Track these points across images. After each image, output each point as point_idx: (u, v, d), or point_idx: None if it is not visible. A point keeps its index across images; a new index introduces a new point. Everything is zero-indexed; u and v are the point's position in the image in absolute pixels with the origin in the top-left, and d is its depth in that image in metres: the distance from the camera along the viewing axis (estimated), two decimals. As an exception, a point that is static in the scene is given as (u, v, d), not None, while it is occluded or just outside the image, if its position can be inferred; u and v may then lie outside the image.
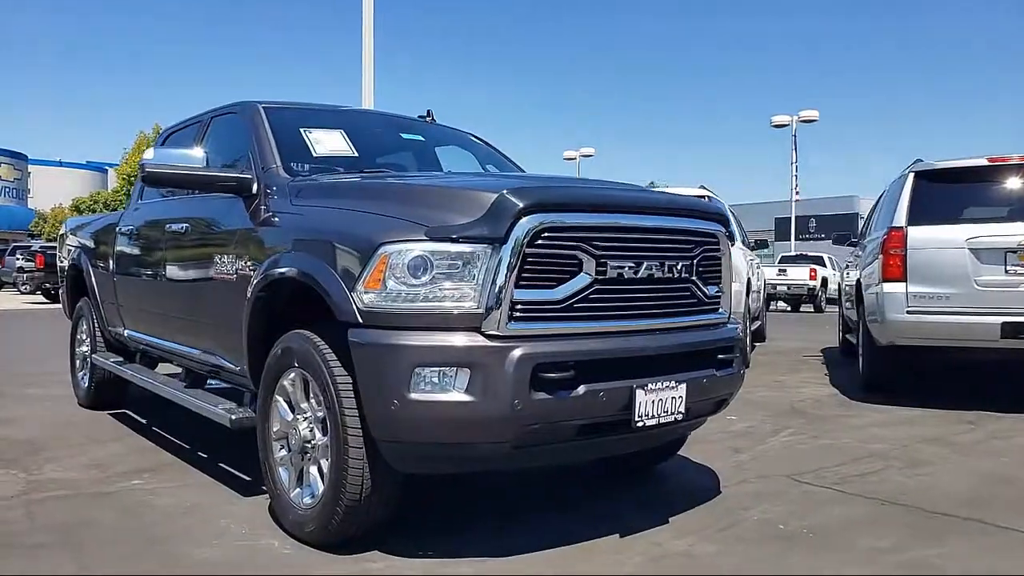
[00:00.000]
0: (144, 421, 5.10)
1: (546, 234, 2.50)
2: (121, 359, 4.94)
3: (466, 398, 2.40)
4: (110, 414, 5.31)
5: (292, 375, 2.89)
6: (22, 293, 25.45)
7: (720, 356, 2.96)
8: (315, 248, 2.75)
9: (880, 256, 5.48)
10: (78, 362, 5.66)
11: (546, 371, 2.44)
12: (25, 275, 20.63)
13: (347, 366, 2.62)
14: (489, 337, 2.43)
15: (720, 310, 3.08)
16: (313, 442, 2.80)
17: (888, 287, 5.40)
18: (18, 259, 21.40)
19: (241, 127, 3.74)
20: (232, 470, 3.87)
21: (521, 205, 2.46)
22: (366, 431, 2.56)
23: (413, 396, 2.40)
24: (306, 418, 2.83)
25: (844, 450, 4.30)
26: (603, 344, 2.61)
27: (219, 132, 3.97)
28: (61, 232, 6.24)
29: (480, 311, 2.43)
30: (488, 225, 2.44)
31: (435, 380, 2.41)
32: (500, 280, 2.43)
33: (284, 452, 3.00)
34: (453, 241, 2.45)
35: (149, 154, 3.32)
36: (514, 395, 2.39)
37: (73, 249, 5.72)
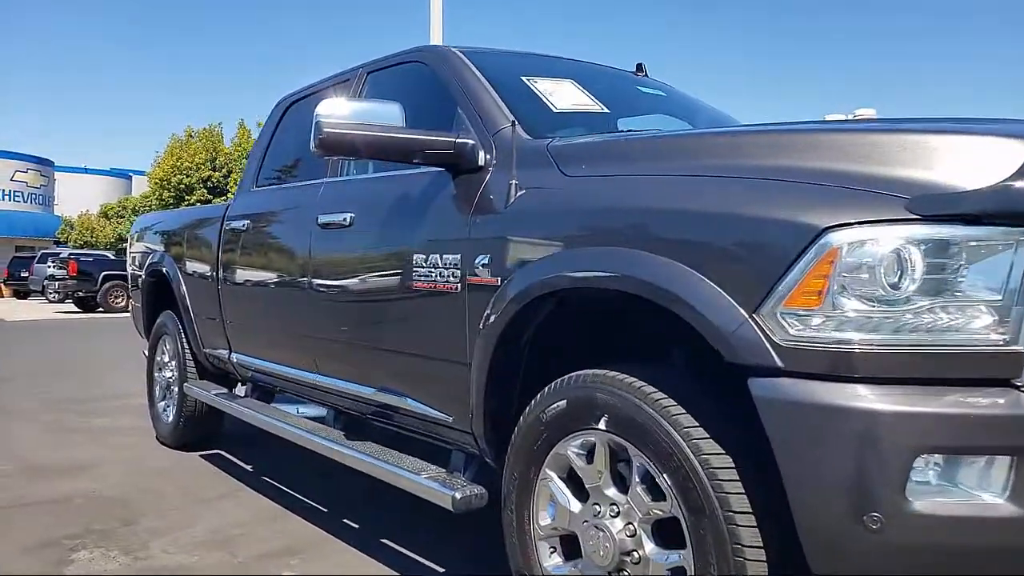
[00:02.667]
0: (250, 468, 4.06)
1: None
2: (224, 390, 3.91)
3: (1015, 511, 1.32)
4: (202, 456, 4.28)
5: (584, 442, 1.83)
6: (50, 302, 24.69)
7: None
8: (651, 240, 1.67)
9: None
10: (158, 390, 4.63)
11: None
12: (57, 283, 19.77)
13: (720, 438, 1.57)
14: (1042, 397, 1.35)
15: None
16: (638, 555, 1.73)
17: None
18: (49, 266, 20.55)
19: (428, 81, 2.69)
20: (411, 554, 2.81)
21: (1082, 160, 1.39)
22: (774, 556, 1.49)
23: (916, 507, 1.32)
24: (619, 514, 1.77)
25: None
26: None
27: (382, 92, 2.91)
28: (132, 232, 5.23)
29: (1019, 348, 1.36)
30: (1031, 193, 1.36)
31: (956, 478, 1.34)
32: (1054, 292, 1.36)
33: (559, 559, 1.94)
34: (965, 222, 1.37)
35: (324, 109, 2.27)
36: (1101, 504, 1.31)
37: (152, 251, 4.70)
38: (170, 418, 4.43)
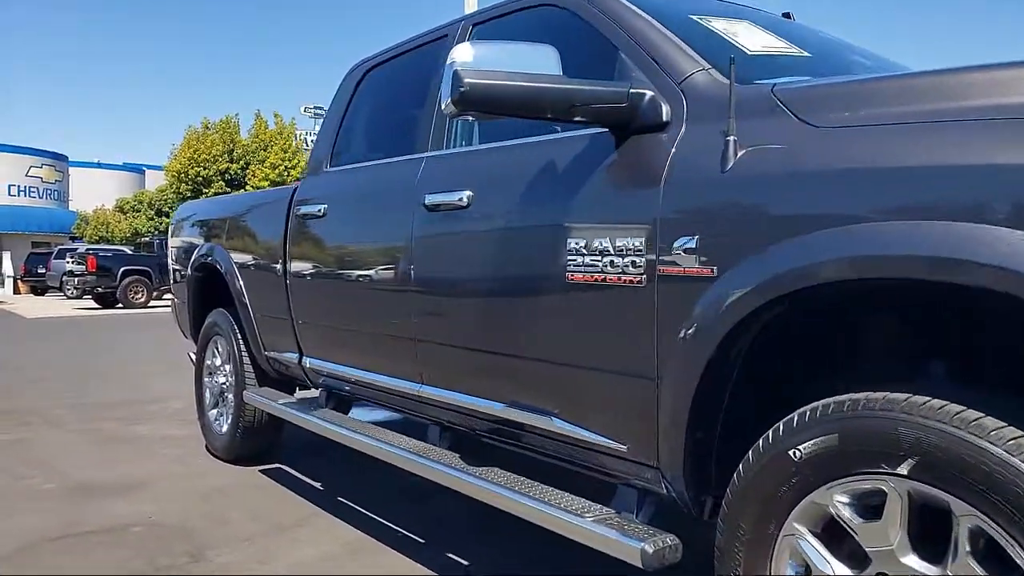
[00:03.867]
0: (319, 486, 3.60)
1: None
2: (292, 399, 3.44)
3: None
4: (262, 471, 3.82)
5: (859, 490, 1.35)
6: (68, 298, 24.38)
7: None
8: (1007, 211, 1.18)
9: None
10: (209, 397, 4.17)
11: None
12: (76, 279, 19.41)
13: None
14: None
15: None
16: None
17: None
18: (68, 262, 20.21)
19: (565, 28, 2.19)
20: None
21: None
22: None
23: None
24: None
25: None
26: None
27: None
28: (173, 222, 4.76)
29: None
30: None
31: None
32: None
33: (811, 639, 1.46)
34: None
35: (463, 54, 1.78)
36: None
37: (198, 243, 4.24)
38: (224, 429, 3.98)
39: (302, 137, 28.67)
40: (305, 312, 3.20)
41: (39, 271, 27.25)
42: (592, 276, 1.82)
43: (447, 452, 2.45)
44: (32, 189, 36.83)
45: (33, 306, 21.00)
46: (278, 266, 3.35)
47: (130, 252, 22.17)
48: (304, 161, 27.46)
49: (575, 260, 1.86)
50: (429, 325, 2.43)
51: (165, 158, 28.26)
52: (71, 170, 41.02)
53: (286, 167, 26.07)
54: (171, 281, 4.78)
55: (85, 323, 14.89)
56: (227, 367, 3.99)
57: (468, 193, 2.26)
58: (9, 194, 35.54)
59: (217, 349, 4.10)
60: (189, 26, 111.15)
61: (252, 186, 25.79)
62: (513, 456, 2.35)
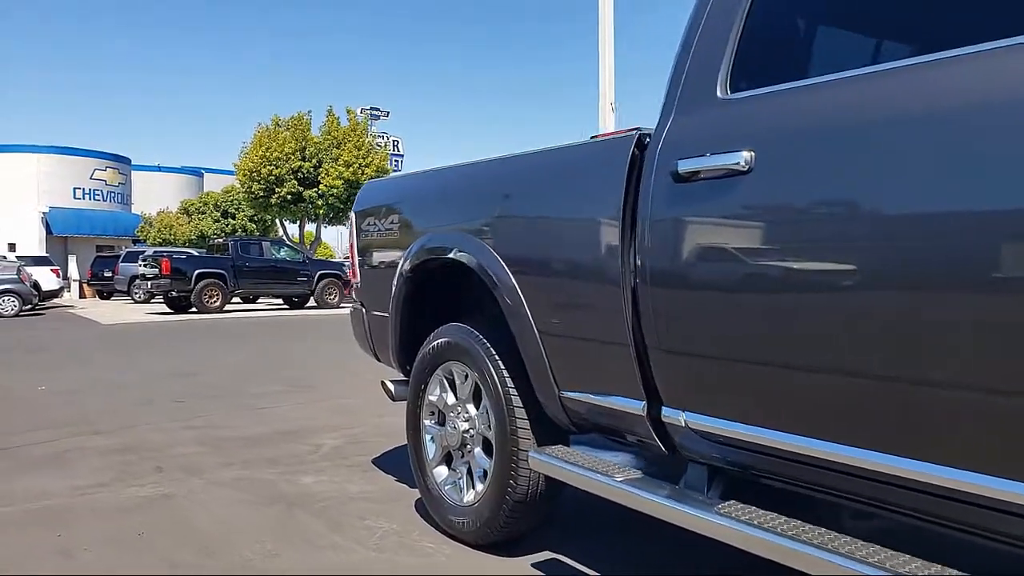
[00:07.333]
0: (651, 602, 2.33)
1: None
2: (641, 475, 2.15)
3: None
4: (536, 566, 2.57)
5: None
6: (136, 302, 23.81)
7: None
8: None
9: None
10: (434, 450, 2.92)
11: None
12: (149, 282, 18.67)
13: None
14: None
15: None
16: None
17: None
18: (139, 265, 19.50)
19: None
20: None
21: None
22: None
23: None
24: None
25: None
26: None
27: None
28: (358, 208, 3.53)
29: None
30: None
31: None
32: None
33: None
34: None
35: None
36: None
37: (410, 232, 3.01)
38: (468, 498, 2.73)
39: (371, 138, 27.59)
40: (680, 335, 1.92)
41: (105, 275, 26.81)
42: None
43: None
44: (96, 192, 36.73)
45: (104, 311, 20.39)
46: (608, 258, 2.09)
47: (196, 254, 21.43)
48: (377, 160, 26.40)
49: None
50: None
51: (221, 161, 27.56)
52: (134, 173, 40.99)
53: (360, 165, 25.06)
54: (355, 285, 3.56)
55: (164, 329, 14.00)
56: (470, 408, 2.75)
57: None
58: (74, 197, 35.47)
59: (450, 381, 2.86)
60: (231, 34, 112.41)
61: (326, 185, 24.82)
62: None
